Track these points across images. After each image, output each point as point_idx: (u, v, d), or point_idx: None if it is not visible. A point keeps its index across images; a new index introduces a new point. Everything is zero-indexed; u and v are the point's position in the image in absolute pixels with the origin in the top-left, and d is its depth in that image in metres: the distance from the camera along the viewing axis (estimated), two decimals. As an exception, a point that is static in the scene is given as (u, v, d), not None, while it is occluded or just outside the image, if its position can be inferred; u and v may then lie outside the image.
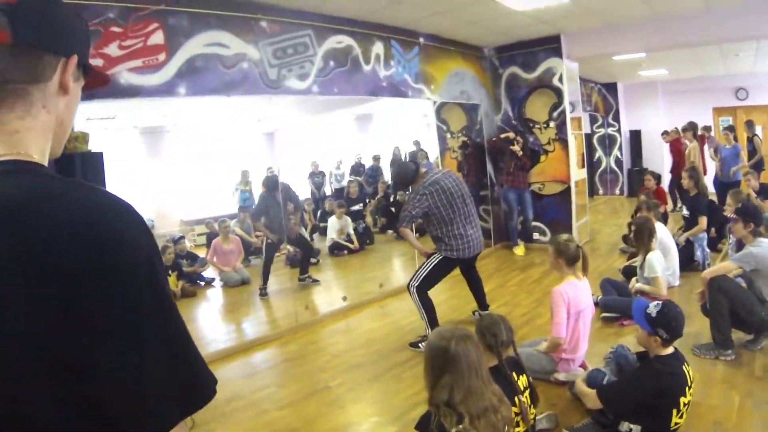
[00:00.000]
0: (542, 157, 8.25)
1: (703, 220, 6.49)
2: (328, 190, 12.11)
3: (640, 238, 5.04)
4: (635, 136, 13.91)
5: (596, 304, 4.54)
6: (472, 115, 8.55)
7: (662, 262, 4.94)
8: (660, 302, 2.93)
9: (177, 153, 10.44)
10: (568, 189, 8.11)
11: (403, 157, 11.92)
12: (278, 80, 5.28)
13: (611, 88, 13.62)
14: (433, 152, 10.67)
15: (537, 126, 8.23)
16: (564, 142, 8.02)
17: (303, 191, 11.18)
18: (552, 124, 8.06)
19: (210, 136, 10.50)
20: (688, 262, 6.26)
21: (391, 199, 10.98)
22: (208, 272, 7.98)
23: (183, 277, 7.29)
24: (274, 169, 8.41)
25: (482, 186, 8.52)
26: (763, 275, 4.01)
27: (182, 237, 8.22)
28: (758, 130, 10.03)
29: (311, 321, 5.68)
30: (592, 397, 2.98)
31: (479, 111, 8.39)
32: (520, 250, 8.21)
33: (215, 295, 7.59)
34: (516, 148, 7.88)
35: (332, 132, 12.26)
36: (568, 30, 7.64)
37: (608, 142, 14.09)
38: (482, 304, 5.27)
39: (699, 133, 10.00)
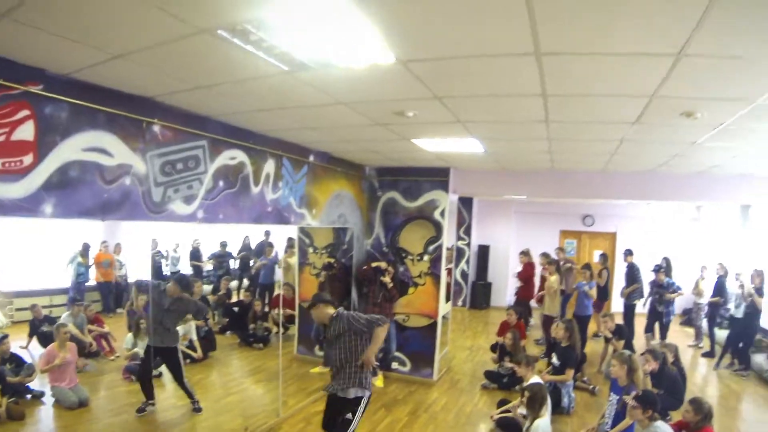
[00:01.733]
0: (410, 289, 8.12)
1: (571, 372, 6.93)
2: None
3: (532, 406, 5.23)
4: (483, 251, 14.56)
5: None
6: (340, 235, 8.30)
7: (548, 429, 5.20)
8: None
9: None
10: (434, 324, 8.03)
11: (252, 247, 11.53)
12: (162, 203, 4.44)
13: (467, 202, 14.20)
14: (280, 243, 10.29)
15: (410, 257, 8.12)
16: (436, 278, 7.98)
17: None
18: (426, 257, 8.00)
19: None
20: (555, 406, 6.47)
21: (233, 299, 10.33)
22: (36, 381, 6.41)
23: (7, 390, 5.80)
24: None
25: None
26: None
27: (5, 336, 6.71)
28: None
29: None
30: None
31: (349, 232, 8.13)
32: (379, 381, 7.94)
33: (46, 418, 6.05)
34: (386, 279, 7.67)
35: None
36: (460, 166, 7.65)
37: (456, 255, 14.53)
38: None
39: (556, 258, 10.61)
